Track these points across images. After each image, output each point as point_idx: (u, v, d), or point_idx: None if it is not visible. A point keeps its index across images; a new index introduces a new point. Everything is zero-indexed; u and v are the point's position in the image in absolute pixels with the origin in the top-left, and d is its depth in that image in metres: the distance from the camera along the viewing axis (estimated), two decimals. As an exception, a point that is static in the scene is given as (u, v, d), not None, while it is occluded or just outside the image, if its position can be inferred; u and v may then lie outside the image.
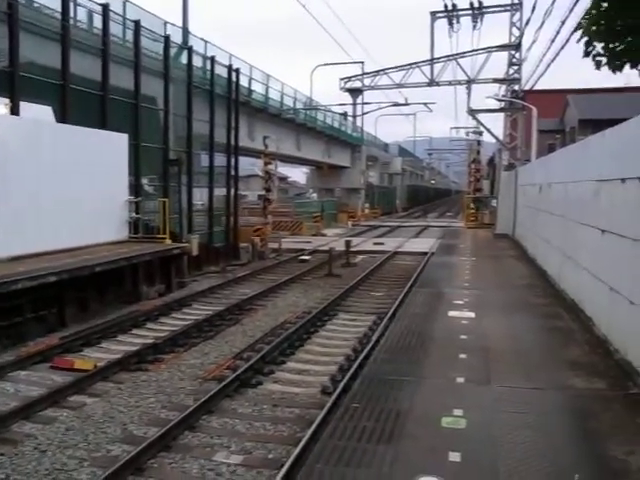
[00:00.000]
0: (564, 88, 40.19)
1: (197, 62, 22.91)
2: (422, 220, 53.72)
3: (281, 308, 13.88)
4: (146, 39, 19.83)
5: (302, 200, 49.37)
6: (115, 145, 16.62)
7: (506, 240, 23.44)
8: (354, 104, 24.90)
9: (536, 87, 23.88)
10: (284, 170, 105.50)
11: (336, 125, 47.41)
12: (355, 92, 24.36)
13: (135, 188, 18.08)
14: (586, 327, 9.15)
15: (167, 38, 19.62)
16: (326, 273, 18.50)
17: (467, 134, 59.01)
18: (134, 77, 17.89)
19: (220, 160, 23.88)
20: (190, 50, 21.15)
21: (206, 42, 24.56)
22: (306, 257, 22.39)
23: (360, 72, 24.37)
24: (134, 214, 17.34)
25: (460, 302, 11.17)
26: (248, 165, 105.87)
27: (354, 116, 26.19)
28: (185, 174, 21.14)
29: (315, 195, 62.26)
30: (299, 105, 38.09)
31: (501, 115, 32.58)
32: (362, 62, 37.34)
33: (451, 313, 10.37)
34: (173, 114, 20.96)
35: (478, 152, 35.02)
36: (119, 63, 17.96)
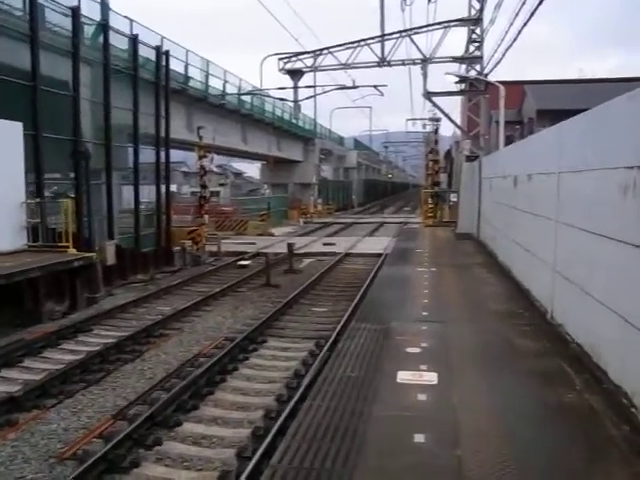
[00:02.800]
0: (521, 80, 39.28)
1: (122, 44, 20.09)
2: (378, 216, 51.66)
3: (200, 333, 11.34)
4: (57, 14, 17.09)
5: (246, 197, 46.65)
6: (4, 136, 13.81)
7: (470, 242, 20.16)
8: (295, 87, 22.21)
9: (494, 77, 22.08)
10: (240, 165, 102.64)
11: (287, 117, 44.84)
12: (296, 74, 21.76)
13: (37, 187, 15.32)
14: (617, 406, 5.36)
15: (75, 10, 16.76)
16: (263, 283, 16.01)
17: (424, 126, 57.27)
18: (31, 54, 15.05)
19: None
20: (106, 27, 18.32)
21: (132, 21, 21.71)
22: (246, 262, 19.86)
23: (302, 51, 21.66)
24: (33, 218, 14.60)
25: (416, 350, 7.29)
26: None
27: (295, 101, 23.48)
28: (104, 169, 18.44)
29: (269, 191, 59.78)
30: (245, 96, 35.40)
31: (459, 103, 30.62)
32: (297, 40, 34.30)
33: (401, 375, 6.36)
34: (92, 101, 18.20)
35: (436, 141, 31.96)
36: (16, 39, 15.21)
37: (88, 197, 16.33)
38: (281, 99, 27.30)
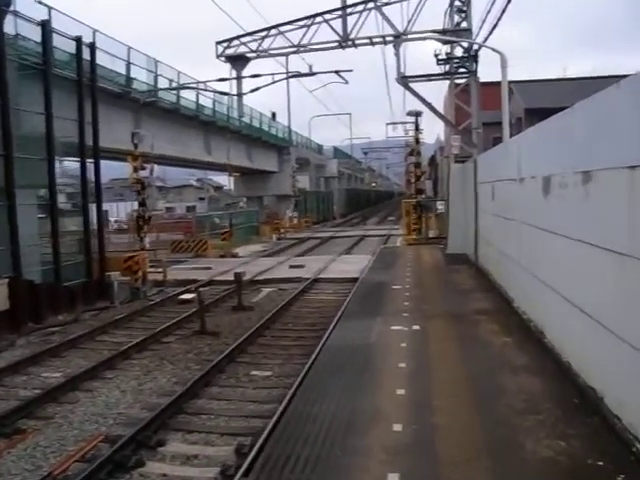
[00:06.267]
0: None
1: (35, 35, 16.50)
2: (360, 228, 48.25)
3: (74, 427, 7.63)
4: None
5: (205, 213, 43.07)
6: None
7: (466, 268, 15.63)
8: (238, 78, 18.45)
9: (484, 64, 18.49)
10: (220, 179, 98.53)
11: (256, 124, 41.30)
12: (239, 61, 18.09)
13: None
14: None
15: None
16: (197, 329, 12.34)
17: (406, 132, 54.09)
18: None
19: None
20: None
21: (50, 8, 18.19)
22: (189, 296, 16.19)
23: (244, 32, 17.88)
24: None
25: None
26: (184, 175, 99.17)
27: (239, 94, 19.70)
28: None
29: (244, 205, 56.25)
30: (206, 102, 31.80)
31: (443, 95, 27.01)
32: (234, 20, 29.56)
33: None
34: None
35: (417, 141, 26.68)
36: None
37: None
38: (223, 93, 23.61)
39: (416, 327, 9.52)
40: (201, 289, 13.97)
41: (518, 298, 9.85)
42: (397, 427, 5.63)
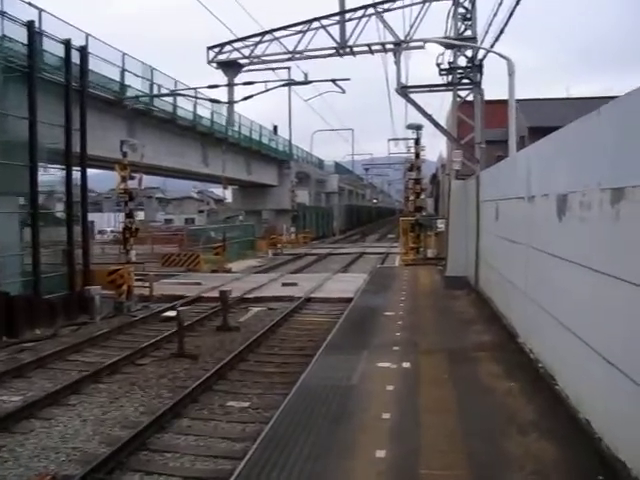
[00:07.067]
0: (507, 98, 36.02)
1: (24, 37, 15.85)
2: (359, 245, 47.51)
3: (21, 462, 6.73)
4: None
5: (200, 226, 42.38)
6: None
7: (465, 293, 14.39)
8: (229, 85, 17.66)
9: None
10: (220, 191, 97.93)
11: (256, 137, 40.66)
12: (231, 67, 17.33)
13: None
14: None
15: None
16: (174, 352, 11.49)
17: (408, 149, 53.51)
18: None
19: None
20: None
21: (41, 11, 17.55)
22: (172, 313, 15.30)
23: (237, 38, 17.13)
24: None
25: None
26: (186, 186, 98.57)
27: (230, 102, 18.91)
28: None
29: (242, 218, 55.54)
30: (204, 112, 31.15)
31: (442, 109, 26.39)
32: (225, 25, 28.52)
33: None
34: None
35: (417, 155, 25.39)
36: None
37: None
38: (213, 100, 22.83)
39: (406, 365, 8.22)
40: (181, 308, 13.16)
41: (523, 333, 8.67)
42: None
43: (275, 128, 51.19)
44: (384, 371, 7.96)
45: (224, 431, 7.68)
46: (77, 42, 17.48)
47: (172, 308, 16.20)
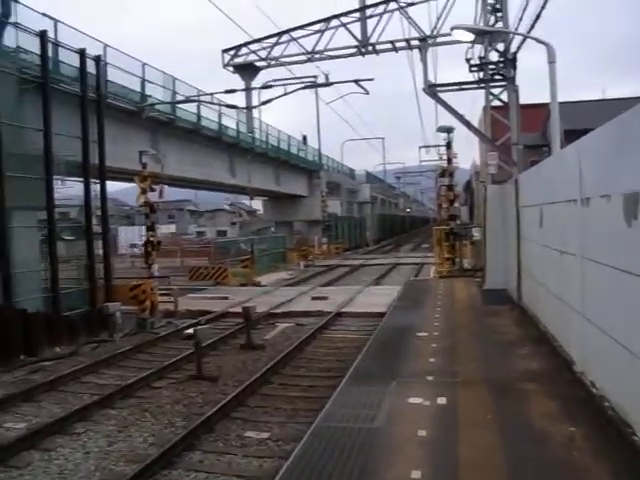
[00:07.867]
0: (542, 102, 34.80)
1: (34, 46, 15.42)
2: (393, 255, 46.47)
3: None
4: None
5: (230, 238, 41.79)
6: None
7: (508, 309, 12.94)
8: (247, 89, 16.89)
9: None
10: (254, 203, 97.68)
11: (284, 147, 40.01)
12: (248, 70, 16.54)
13: None
14: None
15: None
16: (193, 374, 10.70)
17: (440, 157, 52.34)
18: None
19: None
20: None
21: (57, 22, 17.11)
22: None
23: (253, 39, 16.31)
24: None
25: None
26: (219, 199, 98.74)
27: (248, 108, 18.11)
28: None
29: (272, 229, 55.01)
30: (229, 122, 30.59)
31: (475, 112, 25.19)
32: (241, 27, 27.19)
33: None
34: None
35: (449, 160, 23.72)
36: None
37: None
38: (230, 106, 22.10)
39: (442, 401, 6.89)
40: (199, 327, 12.38)
41: (582, 360, 7.23)
42: None
43: (304, 138, 50.70)
44: (415, 409, 6.70)
45: (239, 467, 6.81)
46: (95, 53, 17.08)
47: (197, 324, 15.58)
